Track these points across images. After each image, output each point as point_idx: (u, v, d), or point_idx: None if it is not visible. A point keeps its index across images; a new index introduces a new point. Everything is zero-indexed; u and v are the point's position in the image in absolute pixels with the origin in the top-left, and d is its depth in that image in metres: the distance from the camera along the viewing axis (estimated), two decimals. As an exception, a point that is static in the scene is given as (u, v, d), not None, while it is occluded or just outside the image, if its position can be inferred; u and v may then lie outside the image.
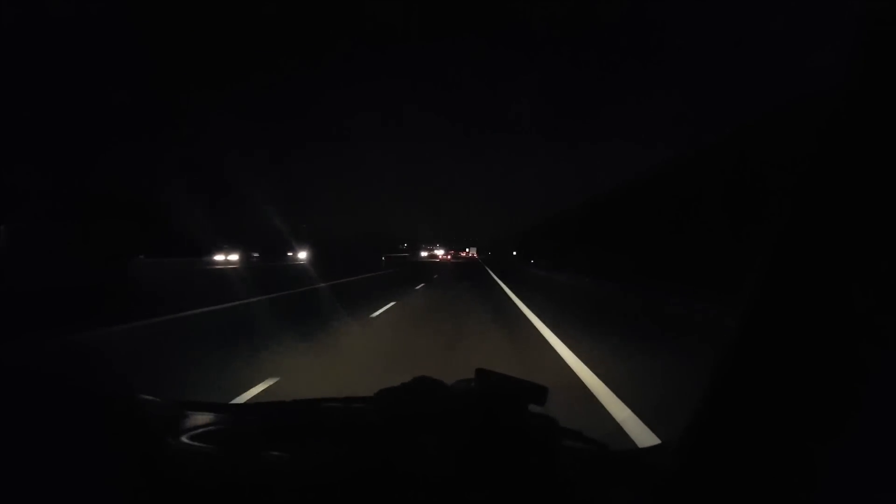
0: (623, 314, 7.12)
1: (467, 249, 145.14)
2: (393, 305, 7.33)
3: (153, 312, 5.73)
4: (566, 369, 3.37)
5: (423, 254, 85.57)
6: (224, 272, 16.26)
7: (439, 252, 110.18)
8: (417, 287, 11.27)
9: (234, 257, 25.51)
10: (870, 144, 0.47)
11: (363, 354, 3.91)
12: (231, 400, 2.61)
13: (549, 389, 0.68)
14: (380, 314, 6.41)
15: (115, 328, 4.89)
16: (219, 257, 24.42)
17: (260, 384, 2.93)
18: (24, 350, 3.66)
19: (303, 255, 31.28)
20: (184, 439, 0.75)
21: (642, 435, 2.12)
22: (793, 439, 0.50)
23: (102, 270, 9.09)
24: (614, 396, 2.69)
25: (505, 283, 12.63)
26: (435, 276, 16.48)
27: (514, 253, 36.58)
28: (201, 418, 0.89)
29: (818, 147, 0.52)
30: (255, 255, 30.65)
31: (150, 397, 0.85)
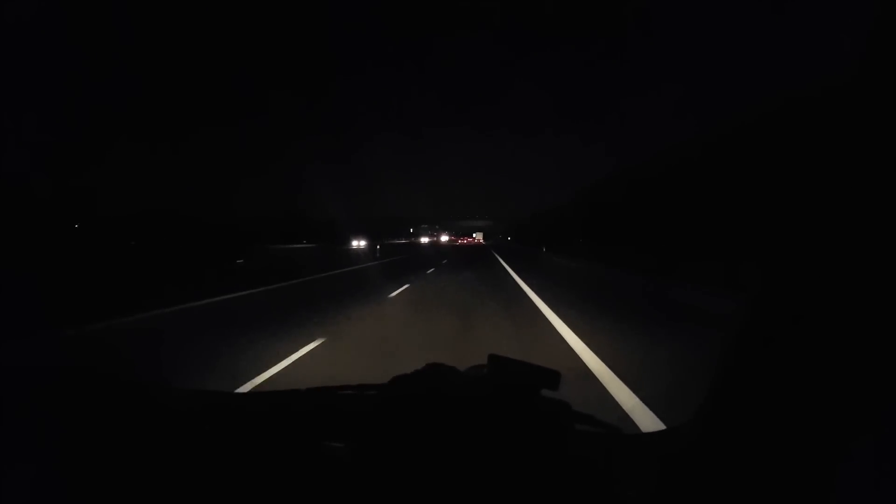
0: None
1: (474, 235, 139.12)
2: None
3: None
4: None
5: (355, 243, 41.44)
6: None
7: (424, 239, 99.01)
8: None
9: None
10: (879, 139, 0.46)
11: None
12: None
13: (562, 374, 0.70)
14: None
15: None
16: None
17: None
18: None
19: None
20: (199, 427, 0.75)
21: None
22: (803, 425, 0.49)
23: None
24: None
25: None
26: None
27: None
28: (215, 407, 0.90)
29: (830, 138, 0.50)
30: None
31: (167, 386, 0.91)
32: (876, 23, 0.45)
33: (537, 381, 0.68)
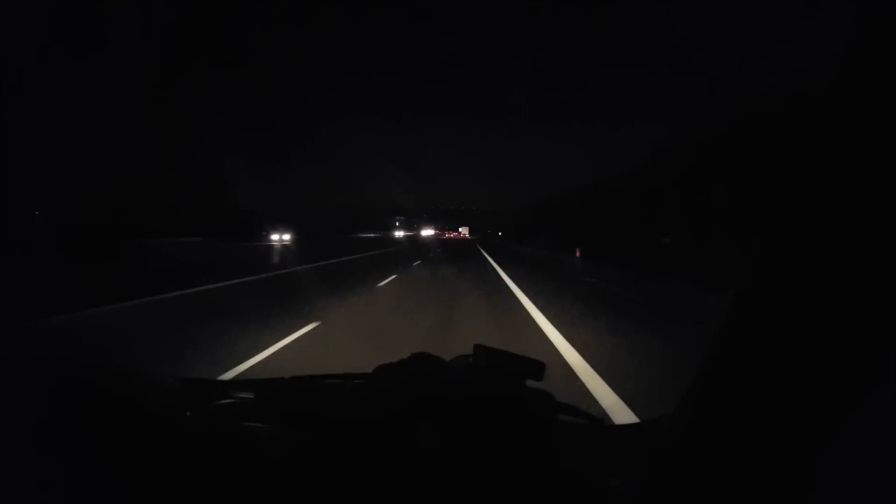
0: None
1: (460, 230, 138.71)
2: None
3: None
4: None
5: (276, 237, 35.34)
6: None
7: (399, 233, 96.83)
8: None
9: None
10: (867, 136, 0.46)
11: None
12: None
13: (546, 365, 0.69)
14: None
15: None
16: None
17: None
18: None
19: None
20: (188, 416, 0.75)
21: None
22: (800, 423, 0.49)
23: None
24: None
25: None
26: None
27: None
28: (202, 395, 0.89)
29: (816, 137, 0.51)
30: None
31: (151, 375, 0.85)
32: (868, 22, 0.45)
33: (522, 372, 0.70)
